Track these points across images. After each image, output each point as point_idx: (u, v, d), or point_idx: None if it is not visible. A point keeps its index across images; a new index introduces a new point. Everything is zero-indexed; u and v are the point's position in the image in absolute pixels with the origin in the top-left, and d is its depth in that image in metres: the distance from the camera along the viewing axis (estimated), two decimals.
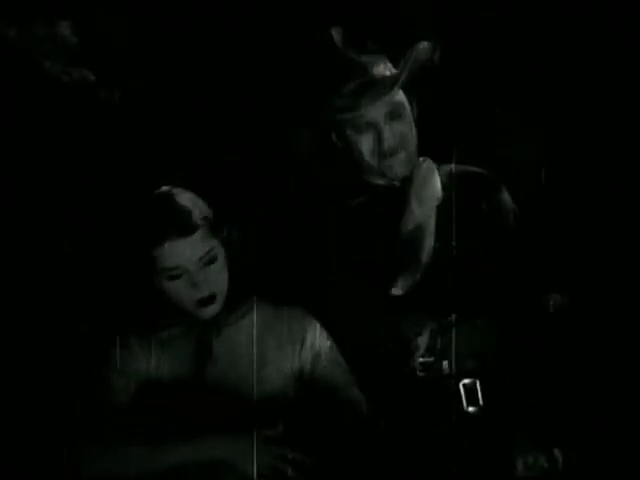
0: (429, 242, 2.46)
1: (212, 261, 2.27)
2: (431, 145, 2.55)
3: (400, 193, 2.51)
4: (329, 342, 2.39)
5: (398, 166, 2.47)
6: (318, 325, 2.40)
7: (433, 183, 2.50)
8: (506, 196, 2.54)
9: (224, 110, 2.91)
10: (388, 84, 2.42)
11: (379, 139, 2.43)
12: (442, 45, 2.46)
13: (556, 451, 2.30)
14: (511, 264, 2.46)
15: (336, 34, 2.47)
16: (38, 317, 2.76)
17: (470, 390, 2.42)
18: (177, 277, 2.25)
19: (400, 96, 2.46)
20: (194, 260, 2.24)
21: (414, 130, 2.49)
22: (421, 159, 2.53)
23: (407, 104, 2.48)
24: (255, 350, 2.33)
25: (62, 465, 2.24)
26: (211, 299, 2.27)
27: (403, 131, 2.46)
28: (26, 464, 2.58)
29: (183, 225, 2.23)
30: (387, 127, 2.43)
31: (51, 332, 2.76)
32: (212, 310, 2.29)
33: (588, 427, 2.42)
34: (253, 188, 2.42)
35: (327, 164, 2.60)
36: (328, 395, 2.34)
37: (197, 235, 2.24)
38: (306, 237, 2.55)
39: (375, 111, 2.43)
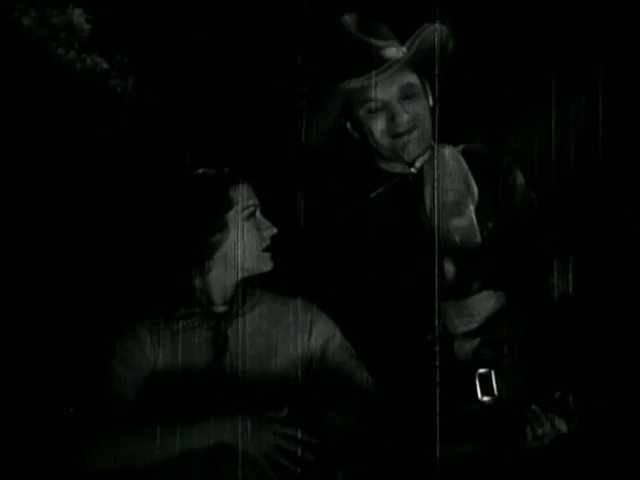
0: (454, 229, 2.47)
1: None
2: (445, 128, 2.53)
3: (417, 180, 2.50)
4: (336, 330, 2.40)
5: (412, 144, 2.46)
6: (324, 315, 2.41)
7: (458, 170, 2.49)
8: (520, 177, 2.53)
9: (236, 101, 2.90)
10: (396, 64, 2.41)
11: (393, 119, 2.43)
12: (456, 29, 2.45)
13: (559, 421, 2.28)
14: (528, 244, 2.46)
15: (349, 20, 2.47)
16: (45, 308, 2.77)
17: (485, 380, 2.40)
18: (252, 215, 2.33)
19: (412, 77, 2.46)
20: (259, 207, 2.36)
21: (429, 112, 2.48)
22: (440, 145, 2.52)
23: (420, 86, 2.48)
24: (264, 341, 2.34)
25: (69, 458, 2.22)
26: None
27: (416, 111, 2.45)
28: (32, 457, 2.58)
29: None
30: (400, 107, 2.43)
31: (58, 324, 2.76)
32: (269, 265, 2.35)
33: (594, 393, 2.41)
34: (266, 180, 2.42)
35: (344, 157, 2.59)
36: (338, 380, 2.33)
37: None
38: (320, 229, 2.56)
39: (387, 92, 2.43)
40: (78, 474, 2.20)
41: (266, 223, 2.35)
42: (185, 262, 2.32)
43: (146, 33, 2.77)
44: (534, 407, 2.26)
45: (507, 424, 2.28)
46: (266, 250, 2.35)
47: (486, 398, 2.38)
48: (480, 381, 2.39)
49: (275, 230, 2.35)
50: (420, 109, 2.46)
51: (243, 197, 2.33)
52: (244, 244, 2.32)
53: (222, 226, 2.30)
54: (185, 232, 2.30)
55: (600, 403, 2.39)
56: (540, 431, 2.24)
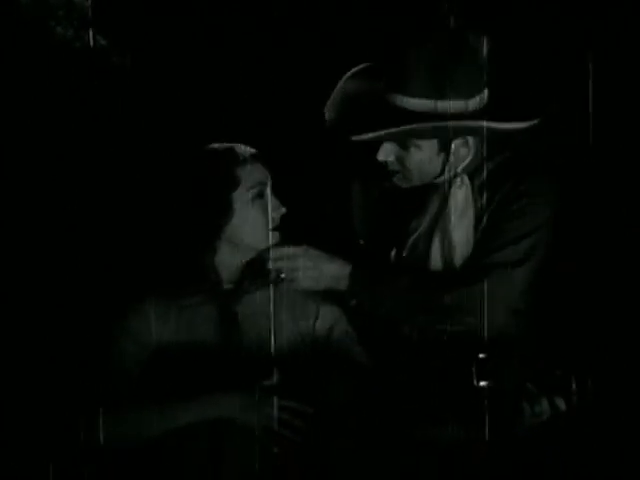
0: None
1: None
2: None
3: (422, 194, 2.49)
4: (341, 315, 2.43)
5: (398, 179, 2.47)
6: (331, 299, 2.42)
7: (461, 215, 2.46)
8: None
9: (242, 78, 2.87)
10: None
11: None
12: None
13: (558, 399, 2.28)
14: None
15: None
16: (52, 285, 2.80)
17: (482, 365, 2.39)
18: (261, 195, 2.31)
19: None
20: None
21: (436, 165, 2.43)
22: (459, 179, 2.45)
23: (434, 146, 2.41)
24: (269, 320, 2.35)
25: (77, 431, 2.27)
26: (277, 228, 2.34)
27: (403, 157, 2.40)
28: (40, 432, 2.62)
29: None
30: (386, 146, 2.40)
31: (66, 300, 2.79)
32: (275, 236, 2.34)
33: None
34: (275, 159, 2.42)
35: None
36: (340, 363, 2.36)
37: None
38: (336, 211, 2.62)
39: None
40: (89, 448, 2.26)
41: (275, 203, 2.34)
42: (192, 240, 2.32)
43: (145, 9, 2.74)
44: (529, 385, 2.27)
45: (504, 402, 2.29)
46: (275, 230, 2.34)
47: (483, 383, 2.38)
48: (477, 366, 2.39)
49: (284, 210, 2.34)
50: (413, 159, 2.40)
51: (249, 176, 2.31)
52: (250, 225, 2.32)
53: (227, 207, 2.29)
54: (191, 210, 2.30)
55: (599, 383, 2.39)
56: (538, 408, 2.25)
